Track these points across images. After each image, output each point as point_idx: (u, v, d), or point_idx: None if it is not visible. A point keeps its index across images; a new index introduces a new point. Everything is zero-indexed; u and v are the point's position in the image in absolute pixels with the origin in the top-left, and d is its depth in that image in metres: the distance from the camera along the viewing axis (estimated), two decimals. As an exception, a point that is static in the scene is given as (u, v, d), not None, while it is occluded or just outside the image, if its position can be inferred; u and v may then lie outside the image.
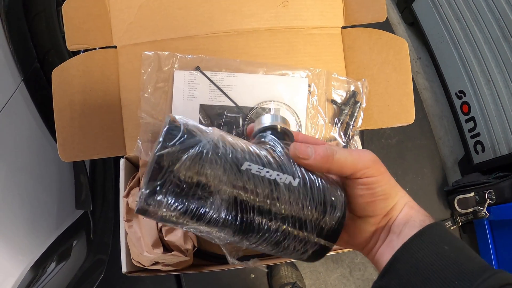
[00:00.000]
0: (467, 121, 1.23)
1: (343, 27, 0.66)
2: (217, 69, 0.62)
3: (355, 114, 0.63)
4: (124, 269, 0.56)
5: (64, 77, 0.60)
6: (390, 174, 0.31)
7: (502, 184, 1.04)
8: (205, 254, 0.68)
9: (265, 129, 0.31)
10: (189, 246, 0.56)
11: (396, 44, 0.63)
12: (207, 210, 0.25)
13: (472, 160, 1.22)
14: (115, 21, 0.63)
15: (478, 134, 1.18)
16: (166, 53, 0.62)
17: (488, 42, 1.07)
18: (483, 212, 1.08)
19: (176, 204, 0.24)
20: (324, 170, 0.29)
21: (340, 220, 0.28)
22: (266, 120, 0.32)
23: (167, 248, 0.56)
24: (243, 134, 0.61)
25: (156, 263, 0.56)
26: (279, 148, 0.29)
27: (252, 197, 0.26)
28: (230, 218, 0.25)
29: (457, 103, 1.26)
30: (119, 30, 0.63)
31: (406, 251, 0.27)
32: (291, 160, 0.28)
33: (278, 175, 0.27)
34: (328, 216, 0.27)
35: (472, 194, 1.12)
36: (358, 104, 0.63)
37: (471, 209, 1.13)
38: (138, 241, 0.54)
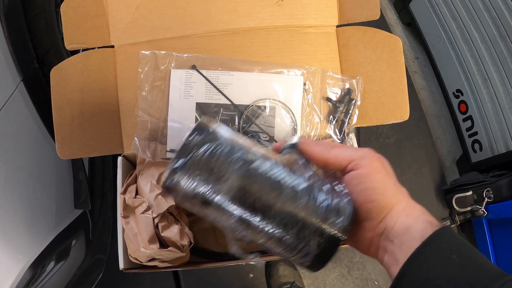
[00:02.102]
0: (464, 120, 1.23)
1: (337, 26, 0.67)
2: (213, 68, 0.63)
3: (350, 111, 0.64)
4: (121, 265, 0.56)
5: (62, 76, 0.61)
6: (395, 180, 0.30)
7: (500, 183, 1.04)
8: (201, 251, 0.68)
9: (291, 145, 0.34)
10: (185, 242, 0.57)
11: (390, 42, 0.64)
12: (214, 196, 0.28)
13: (470, 159, 1.22)
14: (113, 21, 0.64)
15: (475, 133, 1.19)
16: (163, 52, 0.62)
17: (485, 41, 1.08)
18: (481, 210, 1.08)
19: (193, 183, 0.28)
20: (323, 160, 0.31)
21: (341, 227, 0.28)
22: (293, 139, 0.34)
23: (164, 244, 0.57)
24: (239, 131, 0.61)
25: (152, 259, 0.56)
26: (294, 157, 0.32)
27: (254, 191, 0.28)
28: (233, 206, 0.28)
29: (455, 102, 1.27)
30: (116, 30, 0.64)
31: (413, 264, 0.26)
32: (304, 169, 0.31)
33: (284, 178, 0.29)
34: (329, 223, 0.28)
35: (470, 192, 1.12)
36: (353, 102, 0.64)
37: (469, 208, 1.13)
38: (135, 237, 0.55)
